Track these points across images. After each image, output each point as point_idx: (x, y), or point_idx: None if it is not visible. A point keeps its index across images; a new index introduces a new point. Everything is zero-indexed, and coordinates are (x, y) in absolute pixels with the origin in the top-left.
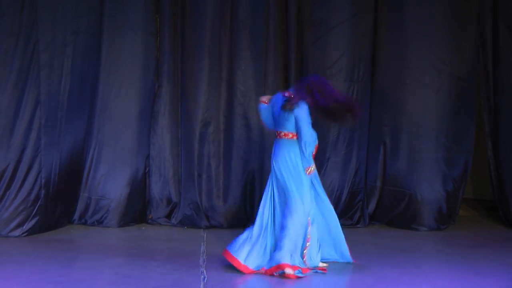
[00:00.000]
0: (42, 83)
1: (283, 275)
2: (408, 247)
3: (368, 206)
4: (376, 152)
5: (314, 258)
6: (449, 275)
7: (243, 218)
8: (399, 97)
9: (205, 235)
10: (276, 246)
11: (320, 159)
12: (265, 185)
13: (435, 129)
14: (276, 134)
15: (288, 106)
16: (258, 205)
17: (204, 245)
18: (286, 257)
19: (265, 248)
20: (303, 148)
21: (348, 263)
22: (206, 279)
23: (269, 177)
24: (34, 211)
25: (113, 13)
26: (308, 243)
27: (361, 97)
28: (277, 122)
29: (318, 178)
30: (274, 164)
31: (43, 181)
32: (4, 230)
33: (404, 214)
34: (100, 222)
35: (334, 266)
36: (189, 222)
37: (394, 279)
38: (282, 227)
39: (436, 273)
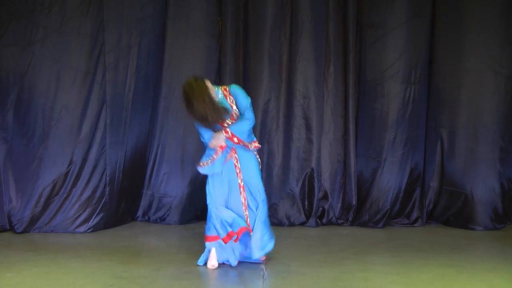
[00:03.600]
0: (107, 84)
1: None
2: (464, 246)
3: (425, 205)
4: (432, 152)
5: None
6: (506, 274)
7: (302, 216)
8: (455, 98)
9: None
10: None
11: (378, 159)
12: (323, 183)
13: (491, 130)
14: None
15: None
16: (315, 204)
17: None
18: None
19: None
20: None
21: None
22: (265, 276)
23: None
24: (99, 208)
25: (177, 15)
26: None
27: (418, 98)
28: None
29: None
30: None
31: (108, 178)
32: (71, 226)
33: (461, 214)
34: (162, 219)
35: (391, 266)
36: None
37: (451, 277)
38: None
39: (492, 272)
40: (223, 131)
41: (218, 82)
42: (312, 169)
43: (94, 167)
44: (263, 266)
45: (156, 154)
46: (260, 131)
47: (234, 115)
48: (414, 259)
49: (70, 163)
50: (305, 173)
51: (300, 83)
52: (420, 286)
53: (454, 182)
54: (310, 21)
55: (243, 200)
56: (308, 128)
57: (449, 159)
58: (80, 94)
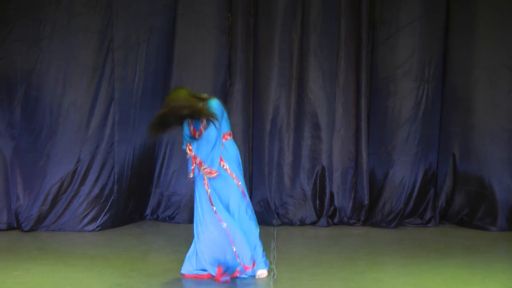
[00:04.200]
0: (116, 81)
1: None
2: (478, 247)
3: (438, 205)
4: (446, 151)
5: None
6: None
7: (313, 216)
8: (470, 96)
9: (275, 232)
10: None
11: (390, 158)
12: (334, 182)
13: (506, 128)
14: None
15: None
16: (326, 203)
17: (274, 242)
18: None
19: None
20: None
21: None
22: (276, 276)
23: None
24: (108, 206)
25: (186, 11)
26: None
27: (431, 96)
28: None
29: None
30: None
31: (116, 176)
32: (79, 225)
33: (475, 214)
34: (171, 218)
35: (404, 267)
36: (259, 220)
37: (465, 279)
38: None
39: (507, 274)
40: (188, 148)
41: (228, 78)
42: (323, 168)
43: (103, 165)
44: (273, 266)
45: (165, 152)
46: (270, 129)
47: (202, 129)
48: (427, 260)
49: (78, 161)
50: (316, 171)
51: (311, 80)
52: (432, 287)
53: (469, 181)
54: (322, 18)
55: (214, 210)
56: (319, 126)
57: (464, 158)
58: (88, 91)
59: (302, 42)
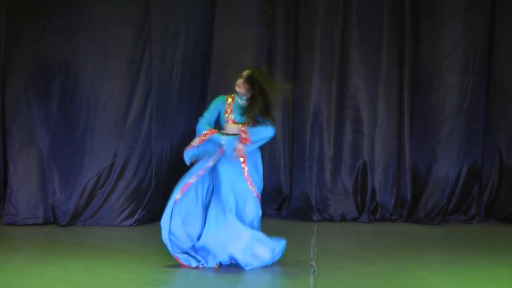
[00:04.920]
0: (153, 73)
1: None
2: None
3: (483, 201)
4: (492, 146)
5: None
6: None
7: (355, 212)
8: None
9: (315, 228)
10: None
11: (433, 153)
12: (376, 177)
13: None
14: None
15: None
16: (368, 199)
17: (314, 238)
18: None
19: None
20: None
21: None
22: (316, 272)
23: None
24: (145, 201)
25: (226, 3)
26: None
27: (476, 90)
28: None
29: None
30: None
31: (153, 171)
32: (116, 220)
33: None
34: None
35: (447, 264)
36: (299, 215)
37: (510, 277)
38: None
39: None
40: (242, 126)
41: (268, 72)
42: (365, 163)
43: (140, 159)
44: (314, 263)
45: None
46: (311, 123)
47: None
48: (471, 257)
49: (115, 155)
50: (357, 166)
51: (353, 74)
52: (477, 285)
53: None
54: (364, 10)
55: None
56: (360, 120)
57: (510, 153)
58: (125, 83)
59: (343, 35)
